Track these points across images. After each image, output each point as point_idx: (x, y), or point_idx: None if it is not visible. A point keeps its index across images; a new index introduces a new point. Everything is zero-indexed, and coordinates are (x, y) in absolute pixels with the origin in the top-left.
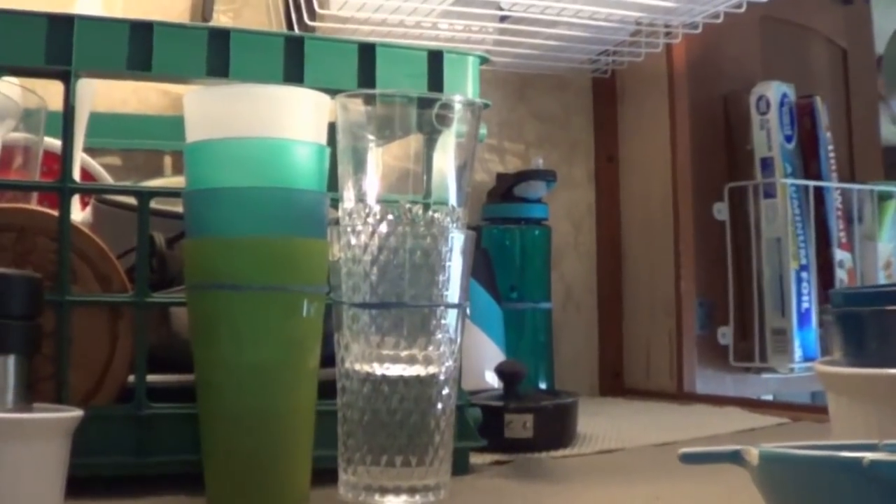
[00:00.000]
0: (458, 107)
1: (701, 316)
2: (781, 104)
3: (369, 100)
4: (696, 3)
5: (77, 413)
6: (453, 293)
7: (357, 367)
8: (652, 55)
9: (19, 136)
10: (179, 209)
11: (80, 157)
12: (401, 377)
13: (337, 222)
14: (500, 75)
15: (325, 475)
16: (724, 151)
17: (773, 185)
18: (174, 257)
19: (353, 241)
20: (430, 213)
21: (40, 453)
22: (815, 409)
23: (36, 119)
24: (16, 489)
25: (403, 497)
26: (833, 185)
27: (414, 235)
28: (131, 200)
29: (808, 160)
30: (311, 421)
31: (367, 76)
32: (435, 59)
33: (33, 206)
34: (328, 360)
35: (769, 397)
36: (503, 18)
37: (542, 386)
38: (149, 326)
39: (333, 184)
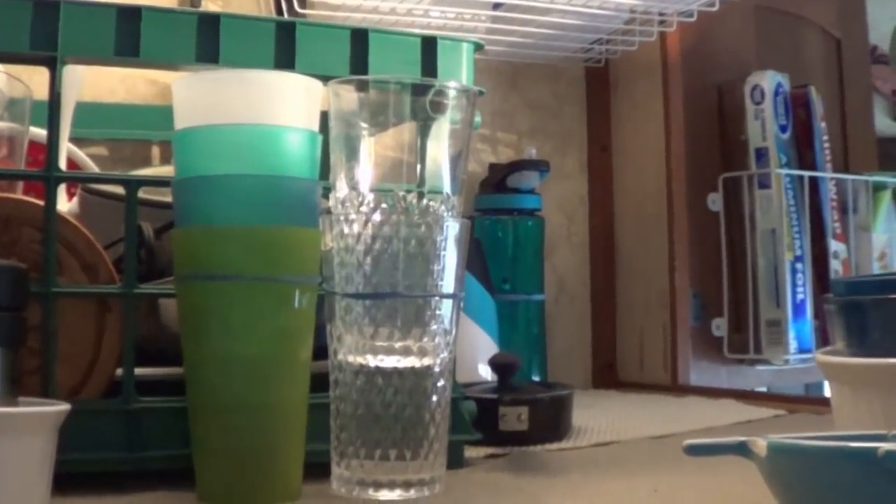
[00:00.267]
0: (453, 93)
1: (695, 307)
2: (776, 94)
3: (362, 86)
4: None
5: (64, 407)
6: (448, 283)
7: (350, 358)
8: (645, 44)
9: (3, 125)
10: (168, 199)
11: (66, 147)
12: (395, 369)
13: (328, 212)
14: (492, 64)
15: (317, 469)
16: (718, 141)
17: (768, 176)
18: (162, 248)
19: (346, 230)
20: (425, 201)
21: (26, 448)
22: (811, 401)
23: (21, 108)
24: (0, 485)
25: (398, 491)
26: (828, 175)
27: (408, 224)
28: (118, 190)
29: (802, 150)
30: (303, 414)
31: (359, 63)
32: (429, 45)
33: (18, 195)
34: (320, 352)
35: (763, 389)
36: (496, 6)
37: (535, 378)
38: (137, 318)
39: (324, 173)
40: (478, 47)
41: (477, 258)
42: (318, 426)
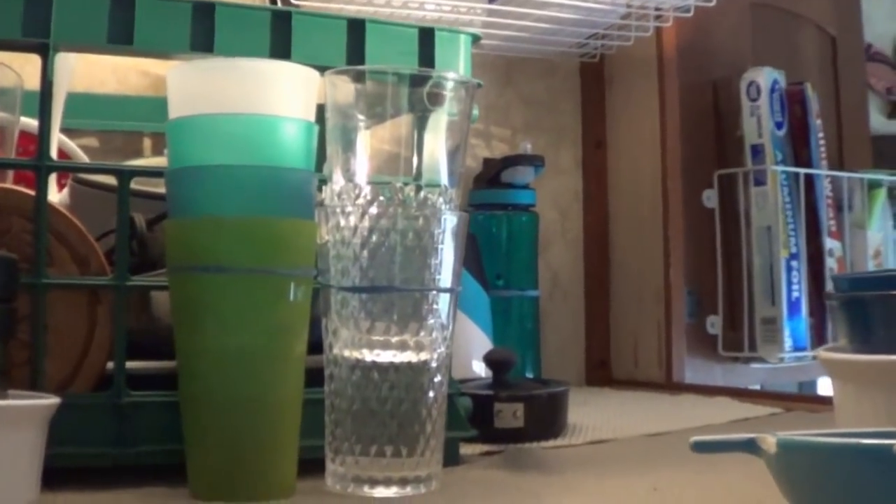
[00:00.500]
0: (451, 85)
1: (690, 305)
2: (772, 90)
3: (359, 77)
4: None
5: (54, 400)
6: (446, 277)
7: (346, 353)
8: (641, 39)
9: None
10: (160, 190)
11: (56, 138)
12: (391, 364)
13: (320, 204)
14: (487, 59)
15: (312, 466)
16: (714, 138)
17: (764, 173)
18: (155, 239)
19: (343, 222)
20: (423, 193)
21: (15, 442)
22: (806, 399)
23: (11, 97)
24: None
25: (394, 488)
26: (824, 172)
27: (406, 217)
28: (110, 180)
29: (798, 148)
30: (297, 410)
31: (356, 54)
32: (426, 36)
33: (9, 185)
34: (315, 346)
35: (756, 388)
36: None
37: (529, 375)
38: (129, 311)
39: (319, 165)
40: (475, 39)
41: (471, 253)
42: (313, 422)
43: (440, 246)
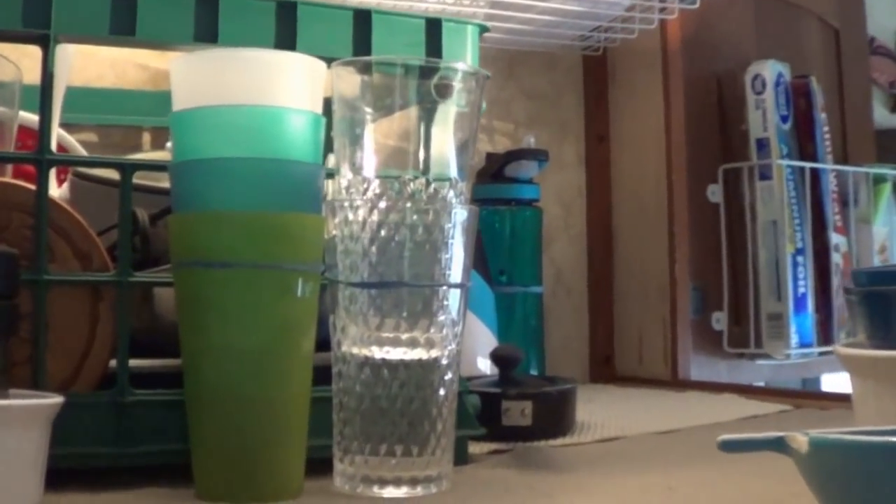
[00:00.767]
0: (460, 76)
1: (695, 300)
2: (777, 84)
3: (365, 68)
4: None
5: (57, 399)
6: (456, 272)
7: (355, 350)
8: (644, 33)
9: None
10: (163, 184)
11: (56, 132)
12: (401, 361)
13: (329, 198)
14: (489, 52)
15: (319, 466)
16: (718, 132)
17: (769, 167)
18: (158, 235)
19: (351, 216)
20: (433, 187)
21: (18, 442)
22: (815, 396)
23: (10, 91)
24: None
25: (404, 488)
26: (830, 167)
27: (415, 211)
28: (111, 175)
29: (803, 141)
30: (305, 408)
31: (362, 45)
32: (433, 27)
33: (8, 178)
34: (323, 343)
35: (761, 384)
36: None
37: (533, 372)
38: (132, 308)
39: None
40: (483, 30)
41: (475, 249)
42: (321, 421)
43: (450, 240)
